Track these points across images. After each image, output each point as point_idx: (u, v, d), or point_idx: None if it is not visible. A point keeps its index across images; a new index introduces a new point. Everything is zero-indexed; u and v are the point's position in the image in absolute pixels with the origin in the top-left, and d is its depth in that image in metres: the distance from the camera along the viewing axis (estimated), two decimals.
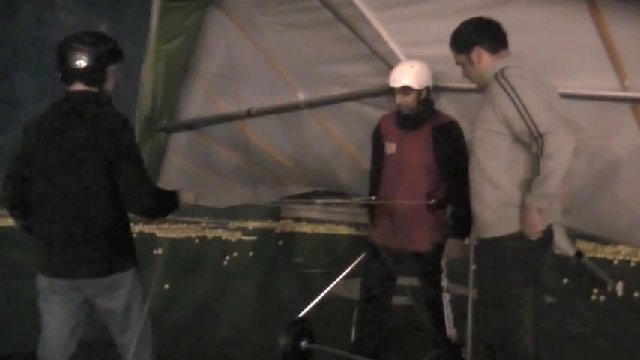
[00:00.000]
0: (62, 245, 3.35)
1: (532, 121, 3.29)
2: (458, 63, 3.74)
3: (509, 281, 3.53)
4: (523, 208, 3.44)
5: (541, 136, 3.27)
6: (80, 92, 3.40)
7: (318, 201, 7.96)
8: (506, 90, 3.38)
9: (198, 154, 6.93)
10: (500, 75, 3.43)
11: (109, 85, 3.49)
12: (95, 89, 3.42)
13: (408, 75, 4.43)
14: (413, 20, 4.53)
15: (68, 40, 3.40)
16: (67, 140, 3.32)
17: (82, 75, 3.38)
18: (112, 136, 3.31)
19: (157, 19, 5.36)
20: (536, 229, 3.43)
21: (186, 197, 3.70)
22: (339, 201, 6.85)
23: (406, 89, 4.42)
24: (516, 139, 3.45)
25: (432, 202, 4.46)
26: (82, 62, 3.35)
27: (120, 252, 3.46)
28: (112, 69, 3.47)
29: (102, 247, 3.37)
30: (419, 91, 4.45)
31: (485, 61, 3.62)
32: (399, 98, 4.47)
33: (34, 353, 3.58)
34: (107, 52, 3.42)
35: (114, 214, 3.38)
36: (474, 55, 3.63)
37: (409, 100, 4.46)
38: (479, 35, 3.61)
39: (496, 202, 3.56)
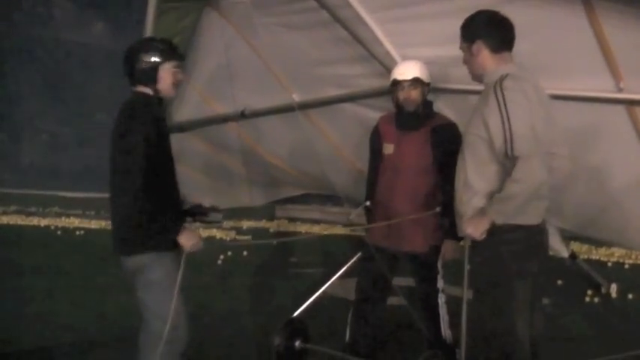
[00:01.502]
0: (113, 223, 3.70)
1: (511, 142, 3.29)
2: (460, 48, 3.71)
3: (507, 273, 3.51)
4: (478, 211, 3.46)
5: (515, 158, 3.28)
6: (134, 93, 3.73)
7: (317, 208, 7.95)
8: (499, 104, 3.36)
9: (191, 156, 6.92)
10: (498, 86, 3.39)
11: (164, 84, 3.73)
12: (149, 89, 3.71)
13: (417, 68, 4.44)
14: (409, 22, 4.53)
15: (129, 47, 3.74)
16: (115, 134, 3.61)
17: (137, 77, 3.71)
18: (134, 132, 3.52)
19: (152, 19, 5.35)
20: (477, 234, 3.45)
21: (186, 240, 3.64)
22: (337, 210, 6.84)
23: (415, 82, 4.43)
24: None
25: (437, 210, 4.45)
26: (134, 66, 3.68)
27: (141, 234, 3.58)
28: (165, 68, 3.70)
29: (128, 227, 3.60)
30: (425, 86, 4.46)
31: (483, 57, 3.57)
32: (407, 92, 4.46)
33: (33, 352, 3.58)
34: (157, 54, 3.69)
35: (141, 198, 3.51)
36: (474, 48, 3.59)
37: (416, 94, 4.45)
38: (486, 30, 3.55)
39: (480, 204, 3.54)
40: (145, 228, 3.57)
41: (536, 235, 3.55)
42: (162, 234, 3.60)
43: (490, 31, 3.55)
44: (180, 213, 3.83)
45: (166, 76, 3.71)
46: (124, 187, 3.52)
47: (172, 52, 3.77)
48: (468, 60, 3.66)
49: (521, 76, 3.45)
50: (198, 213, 3.94)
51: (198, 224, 4.03)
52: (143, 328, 3.66)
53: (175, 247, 3.62)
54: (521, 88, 3.38)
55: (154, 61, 3.67)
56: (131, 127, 3.55)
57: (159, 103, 3.76)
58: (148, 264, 3.59)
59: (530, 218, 3.48)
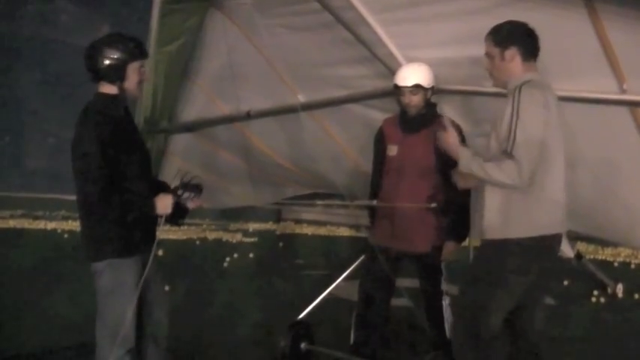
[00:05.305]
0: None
1: (514, 141, 3.36)
2: (487, 54, 3.68)
3: (500, 269, 3.52)
4: (462, 149, 3.65)
5: (511, 155, 3.36)
6: (96, 95, 3.68)
7: (319, 202, 7.98)
8: (512, 108, 3.40)
9: (197, 155, 6.93)
10: (517, 91, 3.43)
11: (130, 83, 3.69)
12: (114, 88, 3.65)
13: (418, 74, 4.45)
14: (412, 23, 4.52)
15: (93, 42, 3.64)
16: (72, 141, 3.57)
17: (103, 75, 3.63)
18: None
19: (157, 20, 5.36)
20: (443, 142, 3.74)
21: (163, 206, 3.75)
22: (340, 202, 6.85)
23: (416, 88, 4.44)
24: None
25: (432, 205, 4.45)
26: (100, 62, 3.59)
27: (97, 241, 3.63)
28: (133, 67, 3.66)
29: (87, 233, 3.66)
30: (426, 91, 4.46)
31: (515, 63, 3.59)
32: (407, 98, 4.48)
33: (37, 354, 3.60)
34: (125, 52, 3.62)
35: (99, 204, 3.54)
36: (508, 53, 3.60)
37: (417, 99, 4.47)
38: (522, 37, 3.60)
39: (500, 205, 3.55)
40: (100, 236, 3.62)
41: (540, 245, 3.55)
42: (126, 235, 3.64)
43: (526, 38, 3.60)
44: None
45: (133, 74, 3.68)
46: (82, 197, 3.59)
47: (141, 50, 3.73)
48: (498, 65, 3.65)
49: (543, 84, 3.51)
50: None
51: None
52: (97, 324, 3.73)
53: (133, 253, 3.68)
54: (540, 97, 3.45)
55: (122, 59, 3.61)
56: (83, 134, 3.54)
57: (122, 102, 3.72)
58: (100, 271, 3.66)
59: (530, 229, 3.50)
